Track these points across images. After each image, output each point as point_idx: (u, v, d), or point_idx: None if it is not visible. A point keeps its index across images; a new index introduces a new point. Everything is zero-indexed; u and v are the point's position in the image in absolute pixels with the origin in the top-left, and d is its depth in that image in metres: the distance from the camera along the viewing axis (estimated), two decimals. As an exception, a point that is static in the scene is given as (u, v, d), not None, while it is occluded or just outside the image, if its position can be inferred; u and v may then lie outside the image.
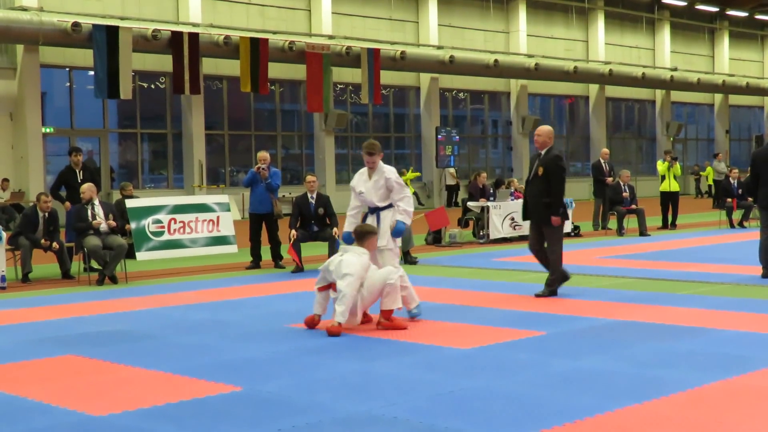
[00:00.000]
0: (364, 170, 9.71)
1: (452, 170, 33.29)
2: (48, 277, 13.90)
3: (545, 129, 11.01)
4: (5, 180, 23.94)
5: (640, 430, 5.51)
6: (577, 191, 35.81)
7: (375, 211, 9.59)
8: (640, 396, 6.20)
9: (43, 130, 25.19)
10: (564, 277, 11.09)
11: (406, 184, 18.21)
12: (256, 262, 14.78)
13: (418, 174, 32.17)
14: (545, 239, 11.07)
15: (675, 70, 41.43)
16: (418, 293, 9.66)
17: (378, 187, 9.51)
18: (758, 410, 5.92)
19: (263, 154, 14.99)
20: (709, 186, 35.56)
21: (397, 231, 9.43)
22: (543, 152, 10.95)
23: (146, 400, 6.37)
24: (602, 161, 21.91)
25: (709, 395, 6.27)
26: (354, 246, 9.11)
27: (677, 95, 43.69)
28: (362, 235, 9.17)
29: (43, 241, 13.43)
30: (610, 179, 21.23)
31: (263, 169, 14.62)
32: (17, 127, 24.72)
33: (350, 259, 8.84)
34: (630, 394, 6.27)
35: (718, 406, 6.03)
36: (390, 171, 9.56)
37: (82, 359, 7.88)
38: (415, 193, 28.59)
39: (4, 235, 13.20)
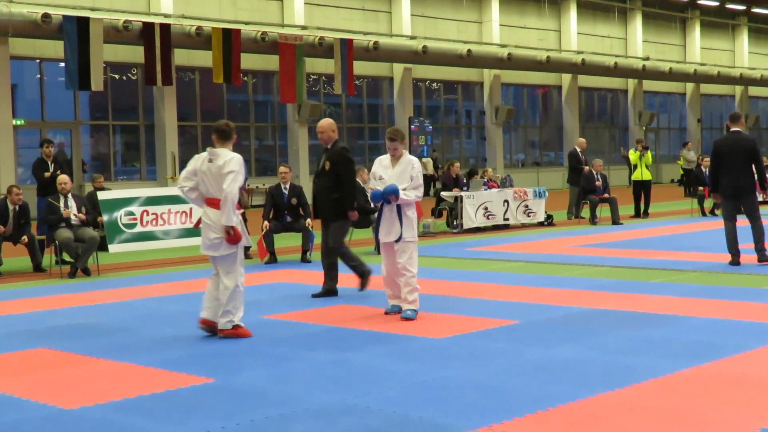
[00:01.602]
0: (384, 158, 9.42)
1: (426, 160, 33.30)
2: (19, 271, 13.81)
3: (327, 123, 10.51)
4: (-24, 173, 23.76)
5: (612, 417, 5.55)
6: (551, 181, 35.96)
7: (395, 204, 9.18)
8: (612, 384, 6.23)
9: (14, 122, 24.97)
10: (364, 273, 10.47)
11: None
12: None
13: None
14: (329, 236, 10.47)
15: (647, 59, 41.61)
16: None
17: (404, 176, 9.18)
18: (729, 397, 5.96)
19: None
20: (682, 175, 35.76)
21: (388, 189, 9.05)
22: (329, 146, 10.43)
23: (118, 393, 6.35)
24: (578, 150, 21.99)
25: (680, 382, 6.31)
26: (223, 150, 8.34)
27: (649, 84, 43.89)
28: (230, 133, 8.44)
29: (1, 229, 13.24)
30: (587, 168, 21.30)
31: None
32: (-13, 120, 24.50)
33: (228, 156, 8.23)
34: (602, 381, 6.31)
35: (689, 393, 6.07)
36: (417, 162, 9.34)
37: (53, 352, 7.84)
38: None
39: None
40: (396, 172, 9.25)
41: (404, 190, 9.14)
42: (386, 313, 9.27)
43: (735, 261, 12.36)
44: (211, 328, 8.30)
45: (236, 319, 8.23)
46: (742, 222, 12.55)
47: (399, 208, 9.16)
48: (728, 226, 12.50)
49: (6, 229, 13.38)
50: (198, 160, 8.46)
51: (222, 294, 8.21)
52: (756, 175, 12.54)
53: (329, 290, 10.61)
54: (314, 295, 10.53)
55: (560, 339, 7.82)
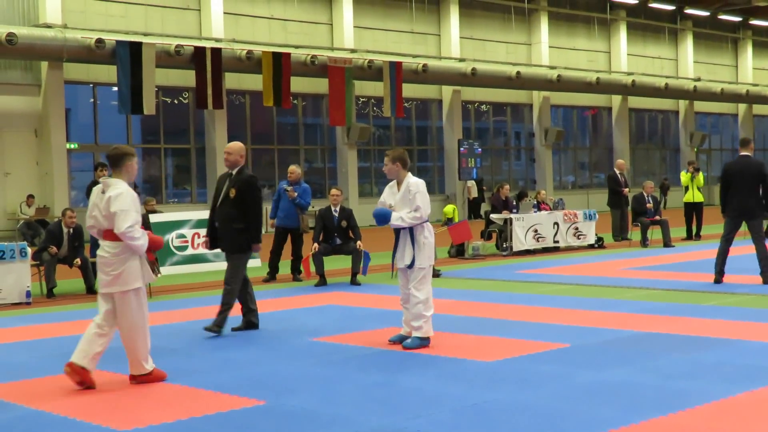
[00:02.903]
0: (392, 182, 9.18)
1: (470, 184, 33.17)
2: (73, 292, 13.97)
3: (237, 146, 9.97)
4: (30, 196, 24.13)
5: (665, 442, 5.49)
6: (601, 203, 35.64)
7: (405, 228, 8.87)
8: (664, 408, 6.16)
9: (68, 146, 25.37)
10: (250, 322, 10.09)
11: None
12: (272, 275, 14.70)
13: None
14: (226, 270, 9.93)
15: (698, 80, 41.26)
16: (442, 306, 9.56)
17: (406, 200, 8.87)
18: (785, 422, 5.88)
19: (293, 168, 15.03)
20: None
21: (377, 212, 8.85)
22: (234, 172, 9.89)
23: (171, 415, 6.40)
24: (618, 172, 21.84)
25: (734, 407, 6.23)
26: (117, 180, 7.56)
27: (701, 105, 43.51)
28: (118, 159, 7.58)
29: (50, 248, 13.41)
30: (626, 190, 21.18)
31: (291, 189, 14.66)
32: (42, 144, 24.91)
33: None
34: (655, 406, 6.24)
35: (744, 417, 5.99)
36: (415, 184, 8.92)
37: (106, 374, 7.90)
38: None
39: (29, 250, 13.29)
40: (399, 198, 8.97)
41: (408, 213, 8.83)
42: (389, 341, 8.94)
43: (718, 279, 12.97)
44: (78, 375, 7.33)
45: (149, 365, 7.57)
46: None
47: (412, 232, 8.86)
48: (723, 246, 13.10)
49: (60, 252, 13.58)
50: (95, 194, 7.61)
51: (124, 339, 7.60)
52: (764, 198, 13.00)
53: (248, 323, 10.17)
54: (234, 329, 10.06)
55: (612, 362, 7.75)
